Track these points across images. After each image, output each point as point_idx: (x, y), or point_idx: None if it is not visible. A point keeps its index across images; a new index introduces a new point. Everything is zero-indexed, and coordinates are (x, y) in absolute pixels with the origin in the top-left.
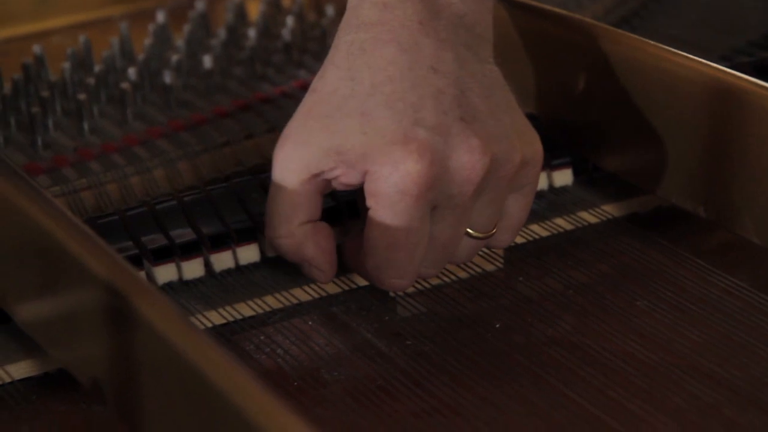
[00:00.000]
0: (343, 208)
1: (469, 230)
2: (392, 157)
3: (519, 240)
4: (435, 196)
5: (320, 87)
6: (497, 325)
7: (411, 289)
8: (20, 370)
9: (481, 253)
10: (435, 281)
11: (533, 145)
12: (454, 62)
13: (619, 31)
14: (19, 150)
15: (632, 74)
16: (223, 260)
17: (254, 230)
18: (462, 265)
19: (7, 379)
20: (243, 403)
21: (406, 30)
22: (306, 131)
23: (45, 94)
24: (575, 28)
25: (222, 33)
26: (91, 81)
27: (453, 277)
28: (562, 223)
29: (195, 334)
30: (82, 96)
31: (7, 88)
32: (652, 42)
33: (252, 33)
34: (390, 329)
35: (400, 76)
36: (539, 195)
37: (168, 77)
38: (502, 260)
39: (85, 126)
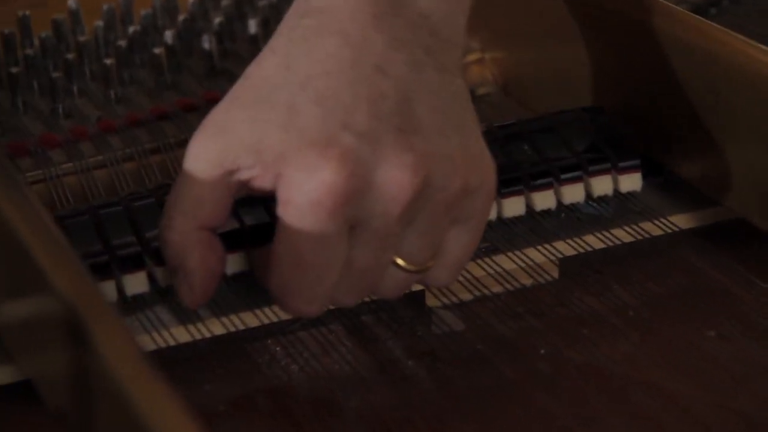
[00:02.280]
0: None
1: (398, 260)
2: (308, 162)
3: (570, 252)
4: (354, 213)
5: (253, 73)
6: (541, 352)
7: (437, 304)
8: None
9: (524, 266)
10: (466, 296)
11: (483, 173)
12: (405, 65)
13: (705, 21)
14: (39, 118)
15: (717, 71)
16: (236, 262)
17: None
18: (502, 279)
19: None
20: None
21: (357, 23)
22: (228, 120)
23: (71, 56)
24: (653, 10)
25: None
26: (123, 43)
27: (495, 289)
28: (622, 235)
29: (148, 376)
30: (109, 61)
31: (36, 46)
32: (742, 37)
33: None
34: (421, 347)
35: (338, 71)
36: (604, 200)
37: (207, 42)
38: (551, 274)
39: (112, 94)
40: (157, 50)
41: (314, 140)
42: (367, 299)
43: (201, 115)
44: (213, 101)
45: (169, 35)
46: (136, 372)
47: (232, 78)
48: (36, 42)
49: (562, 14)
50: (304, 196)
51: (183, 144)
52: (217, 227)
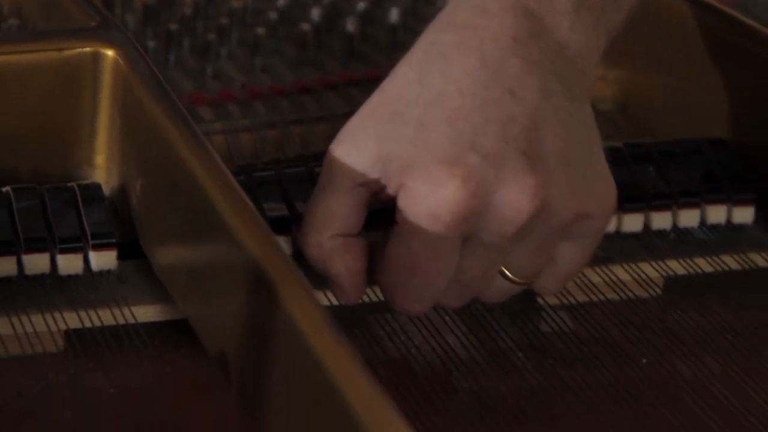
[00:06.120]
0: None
1: (506, 271)
2: (433, 177)
3: (680, 270)
4: (470, 229)
5: (388, 88)
6: (643, 361)
7: (556, 301)
8: (146, 313)
9: (636, 277)
10: (582, 298)
11: (602, 201)
12: (537, 91)
13: None
14: (187, 75)
15: None
16: (371, 238)
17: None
18: (614, 287)
19: (132, 321)
20: (369, 416)
21: (497, 43)
22: (361, 135)
23: (224, 21)
24: None
25: None
26: (273, 15)
27: (603, 297)
28: (730, 262)
29: (331, 333)
30: (260, 30)
31: (188, 7)
32: None
33: None
34: (530, 342)
35: (471, 92)
36: (714, 228)
37: (351, 25)
38: (659, 288)
39: (257, 62)
40: (304, 26)
41: (441, 157)
42: None
43: (339, 94)
44: (350, 81)
45: (315, 13)
46: (321, 331)
47: (368, 62)
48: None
49: (691, 42)
50: (426, 209)
51: (322, 119)
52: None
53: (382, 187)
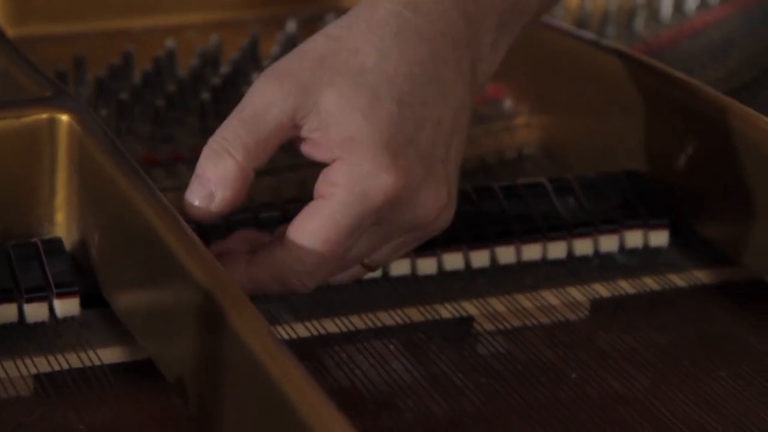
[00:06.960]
0: None
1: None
2: (379, 161)
3: (605, 293)
4: (385, 216)
5: (343, 38)
6: (573, 376)
7: (492, 327)
8: (110, 355)
9: (565, 301)
10: (516, 322)
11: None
12: (460, 100)
13: (741, 106)
14: (139, 141)
15: (744, 150)
16: None
17: None
18: (545, 311)
19: (97, 363)
20: (319, 426)
21: (444, 40)
22: (312, 79)
23: (172, 89)
24: (692, 93)
25: None
26: (218, 81)
27: (535, 321)
28: (651, 283)
29: (281, 352)
30: (205, 95)
31: (138, 78)
32: None
33: None
34: (468, 364)
35: (420, 82)
36: (632, 252)
37: None
38: (586, 311)
39: (204, 125)
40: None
41: (389, 143)
42: (430, 317)
43: (282, 149)
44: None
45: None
46: (271, 350)
47: None
48: (137, 74)
49: (608, 88)
50: (363, 186)
51: (267, 173)
52: (255, 165)
53: (312, 141)
